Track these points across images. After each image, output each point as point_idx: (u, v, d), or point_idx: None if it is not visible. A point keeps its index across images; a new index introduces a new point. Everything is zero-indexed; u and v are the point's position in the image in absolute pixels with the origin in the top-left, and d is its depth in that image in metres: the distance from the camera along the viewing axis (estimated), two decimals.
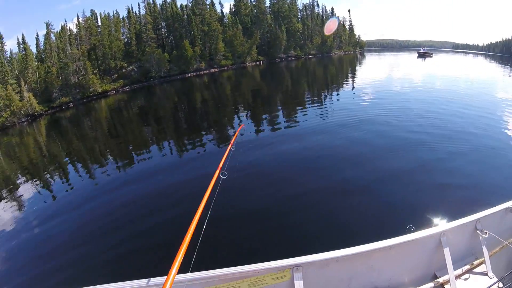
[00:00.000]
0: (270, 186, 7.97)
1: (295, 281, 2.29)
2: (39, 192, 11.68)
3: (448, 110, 14.66)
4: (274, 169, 9.28)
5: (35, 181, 13.26)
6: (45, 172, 14.43)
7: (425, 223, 5.22)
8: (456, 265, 2.70)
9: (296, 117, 16.09)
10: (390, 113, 14.55)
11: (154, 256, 5.70)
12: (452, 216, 3.58)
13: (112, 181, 10.82)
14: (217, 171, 3.05)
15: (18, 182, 13.76)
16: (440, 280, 2.62)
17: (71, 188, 11.14)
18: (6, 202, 11.18)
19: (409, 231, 4.68)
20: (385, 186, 7.16)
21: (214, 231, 3.33)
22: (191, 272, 2.15)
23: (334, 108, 17.45)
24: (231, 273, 2.20)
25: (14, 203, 10.99)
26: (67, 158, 16.28)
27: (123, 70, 54.65)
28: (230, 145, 3.94)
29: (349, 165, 8.67)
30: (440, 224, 3.11)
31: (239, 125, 5.65)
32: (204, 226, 2.37)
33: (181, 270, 1.87)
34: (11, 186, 13.30)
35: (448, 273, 2.60)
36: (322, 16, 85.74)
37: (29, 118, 40.91)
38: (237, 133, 4.74)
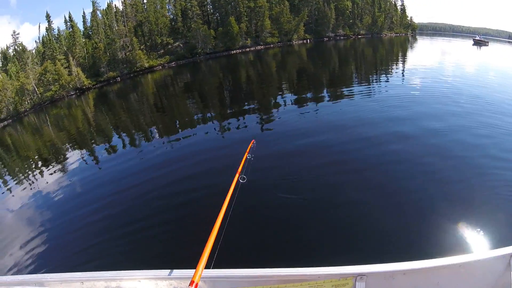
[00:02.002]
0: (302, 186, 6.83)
1: None
2: (85, 161, 11.73)
3: None
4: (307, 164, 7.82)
5: (82, 151, 13.43)
6: (92, 143, 14.46)
7: (495, 242, 4.58)
8: None
9: (339, 103, 14.12)
10: (449, 107, 11.65)
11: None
12: None
13: (155, 156, 10.42)
14: (236, 176, 3.10)
15: (65, 151, 14.14)
16: None
17: (115, 159, 11.14)
18: (53, 170, 11.38)
19: (476, 250, 4.49)
20: (457, 198, 5.92)
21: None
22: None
23: (382, 96, 14.67)
24: (289, 275, 2.12)
25: (61, 171, 11.12)
26: (113, 130, 16.32)
27: (169, 46, 53.97)
28: (246, 154, 3.91)
29: (406, 168, 7.26)
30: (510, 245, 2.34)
31: (251, 140, 4.39)
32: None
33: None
34: (59, 155, 13.65)
35: None
36: None
37: (77, 91, 41.29)
38: (249, 148, 4.22)
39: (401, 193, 6.24)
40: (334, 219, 5.66)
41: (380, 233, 5.14)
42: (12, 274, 5.27)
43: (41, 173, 11.43)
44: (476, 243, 4.66)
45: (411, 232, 5.09)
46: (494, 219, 5.09)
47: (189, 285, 1.69)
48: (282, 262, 4.51)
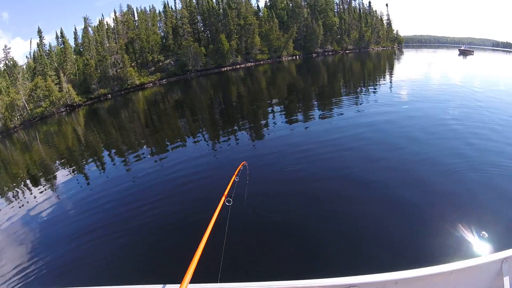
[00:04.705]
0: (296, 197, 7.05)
1: None
2: (75, 179, 11.57)
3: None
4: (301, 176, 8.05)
5: (71, 168, 13.33)
6: (82, 160, 14.38)
7: (487, 247, 4.59)
8: None
9: (329, 117, 14.10)
10: (444, 119, 11.69)
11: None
12: None
13: (144, 175, 10.29)
14: (223, 198, 3.05)
15: (54, 168, 13.97)
16: None
17: (104, 175, 11.22)
18: (42, 187, 11.32)
19: (468, 255, 4.42)
20: (445, 204, 5.93)
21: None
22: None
23: (371, 111, 14.30)
24: (281, 287, 2.11)
25: (50, 188, 11.08)
26: (103, 148, 16.23)
27: (160, 64, 54.53)
28: (234, 176, 3.96)
29: (399, 179, 7.18)
30: (503, 250, 2.38)
31: (241, 162, 4.74)
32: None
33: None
34: (48, 172, 13.46)
35: None
36: (360, 10, 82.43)
37: (67, 108, 41.24)
38: (240, 166, 4.42)
39: (390, 202, 6.26)
40: (323, 232, 5.64)
41: (371, 243, 5.14)
42: None
43: (30, 190, 11.37)
44: (469, 249, 4.67)
45: (403, 241, 5.09)
46: (487, 225, 5.06)
47: None
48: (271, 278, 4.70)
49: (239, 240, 5.43)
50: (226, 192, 3.22)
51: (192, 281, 1.93)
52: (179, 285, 1.78)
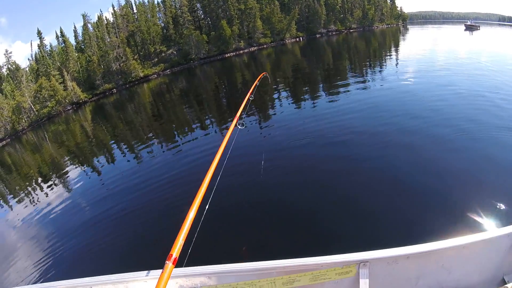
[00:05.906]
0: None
1: (360, 278, 2.17)
2: (86, 174, 11.72)
3: None
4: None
5: (82, 165, 13.45)
6: (92, 155, 14.49)
7: (500, 220, 4.44)
8: None
9: (336, 95, 13.99)
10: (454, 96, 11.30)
11: None
12: None
13: (154, 164, 10.23)
14: (234, 121, 2.83)
15: (65, 166, 13.97)
16: (509, 286, 2.32)
17: (115, 170, 11.05)
18: (54, 186, 11.42)
19: (481, 228, 4.38)
20: (456, 177, 5.84)
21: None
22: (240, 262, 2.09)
23: (377, 90, 13.99)
24: (291, 265, 2.12)
25: (61, 186, 11.18)
26: (112, 142, 16.11)
27: (163, 54, 54.10)
28: (248, 94, 3.65)
29: (408, 154, 7.11)
30: None
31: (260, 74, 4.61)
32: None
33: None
34: (59, 172, 13.49)
35: None
36: None
37: (74, 106, 41.26)
38: (257, 81, 4.12)
39: (400, 178, 6.17)
40: (335, 206, 5.60)
41: (381, 219, 5.07)
42: (20, 285, 5.35)
43: (43, 190, 11.41)
44: (482, 222, 4.57)
45: (414, 215, 4.98)
46: (501, 198, 4.94)
47: (166, 260, 1.50)
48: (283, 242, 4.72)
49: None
50: (238, 114, 2.98)
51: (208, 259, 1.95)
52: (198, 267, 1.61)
